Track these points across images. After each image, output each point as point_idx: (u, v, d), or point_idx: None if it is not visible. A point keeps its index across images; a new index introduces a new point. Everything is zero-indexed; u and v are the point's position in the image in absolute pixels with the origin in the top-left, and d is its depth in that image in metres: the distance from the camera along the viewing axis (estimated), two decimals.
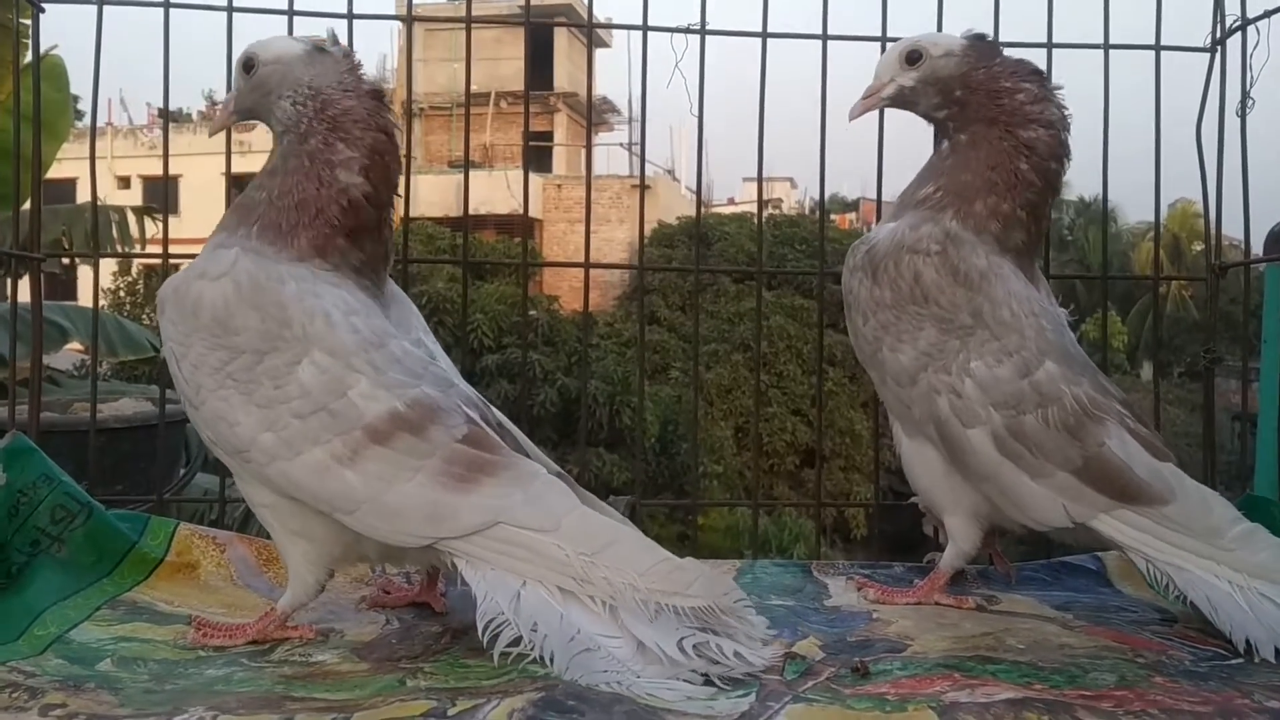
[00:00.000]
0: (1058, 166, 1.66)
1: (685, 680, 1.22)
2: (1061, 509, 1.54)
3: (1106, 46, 2.12)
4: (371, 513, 1.35)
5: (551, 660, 1.24)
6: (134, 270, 16.56)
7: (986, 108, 1.66)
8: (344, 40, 1.73)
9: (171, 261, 2.08)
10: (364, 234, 1.48)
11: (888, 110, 1.81)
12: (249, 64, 1.53)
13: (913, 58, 1.70)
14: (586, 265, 2.09)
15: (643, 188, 2.16)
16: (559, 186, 22.47)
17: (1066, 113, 1.67)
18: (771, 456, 16.40)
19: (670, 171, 24.55)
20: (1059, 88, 1.69)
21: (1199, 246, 2.01)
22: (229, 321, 1.38)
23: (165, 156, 2.07)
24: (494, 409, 1.49)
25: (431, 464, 1.33)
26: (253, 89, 1.53)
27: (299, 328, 1.37)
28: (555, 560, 1.29)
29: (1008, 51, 1.73)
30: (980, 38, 1.72)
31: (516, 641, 1.27)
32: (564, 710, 1.14)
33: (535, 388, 13.81)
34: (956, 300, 1.59)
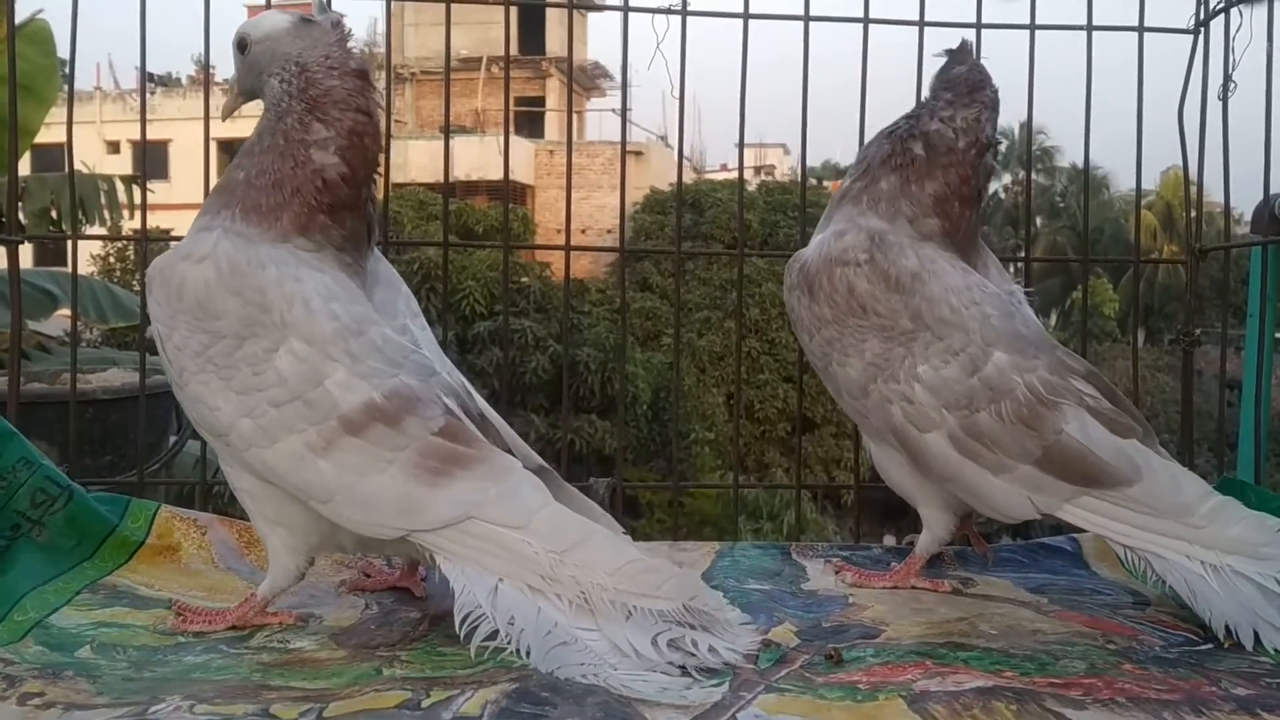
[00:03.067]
0: (956, 173, 1.65)
1: (662, 673, 1.23)
2: (1027, 501, 1.54)
3: (1090, 28, 2.11)
4: (345, 503, 1.35)
5: (528, 654, 1.25)
6: (125, 238, 16.46)
7: (914, 111, 1.69)
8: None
9: (150, 242, 2.07)
10: (344, 210, 1.46)
11: (872, 76, 1.82)
12: (242, 44, 1.51)
13: None
14: (568, 248, 2.08)
15: (624, 176, 2.15)
16: (551, 152, 22.38)
17: (982, 124, 1.65)
18: (763, 423, 16.44)
19: (662, 137, 24.42)
20: (988, 101, 1.67)
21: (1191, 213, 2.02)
22: (210, 305, 1.38)
23: (143, 143, 2.05)
24: (477, 398, 1.49)
25: (405, 456, 1.33)
26: (248, 69, 1.51)
27: (278, 314, 1.37)
28: (524, 557, 1.30)
29: (992, 35, 1.73)
30: (960, 50, 1.73)
31: (494, 635, 1.28)
32: (537, 701, 1.15)
33: (527, 355, 13.81)
34: (894, 306, 1.60)
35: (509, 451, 1.42)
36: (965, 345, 1.57)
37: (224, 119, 1.67)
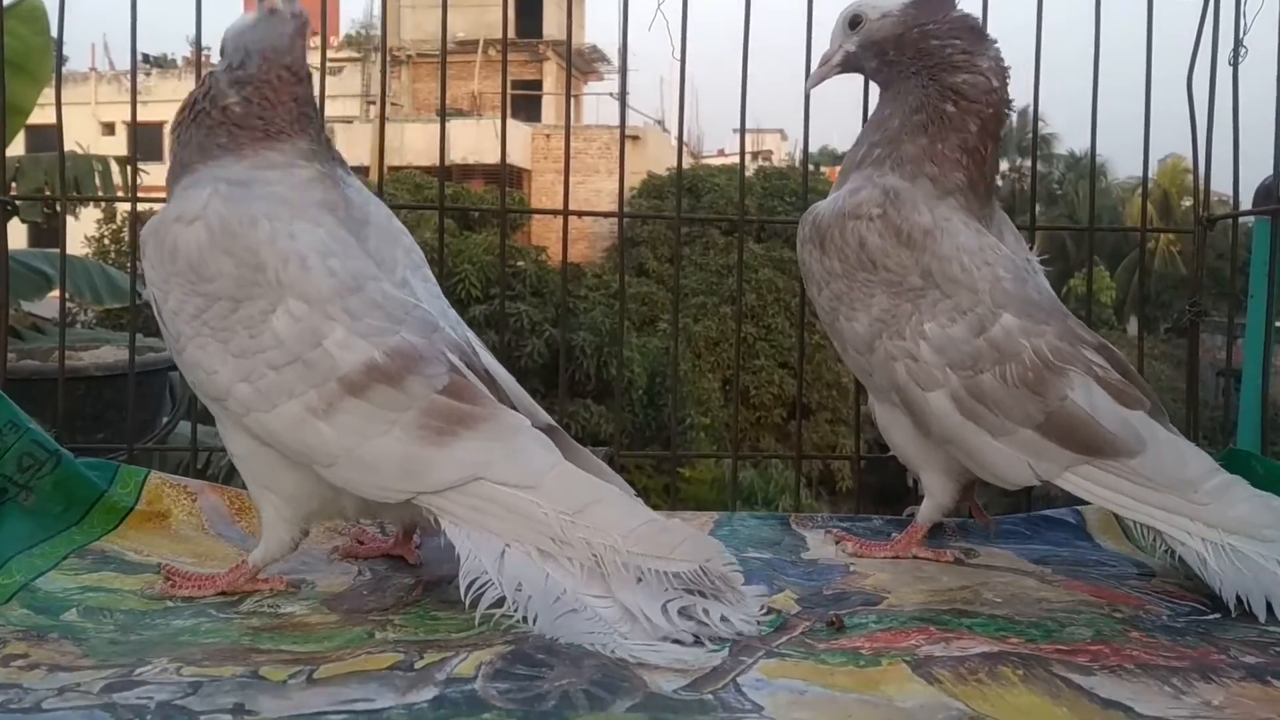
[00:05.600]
0: (993, 111, 1.62)
1: (674, 641, 1.20)
2: (1026, 466, 1.52)
3: None
4: (348, 466, 1.32)
5: (535, 621, 1.22)
6: (119, 218, 16.41)
7: (912, 64, 1.64)
8: None
9: (140, 209, 2.04)
10: (291, 127, 1.46)
11: None
12: (223, 51, 1.51)
13: (854, 22, 1.69)
14: (565, 212, 2.05)
15: (623, 131, 2.12)
16: (547, 136, 22.31)
17: (1002, 64, 1.63)
18: (758, 409, 16.42)
19: (660, 122, 24.36)
20: (994, 41, 1.65)
21: (1188, 202, 2.00)
22: (203, 268, 1.35)
23: (133, 121, 2.02)
24: (483, 353, 1.45)
25: (409, 417, 1.30)
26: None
27: (273, 273, 1.34)
28: (534, 519, 1.26)
29: (994, 15, 1.70)
30: None
31: (500, 602, 1.24)
32: (533, 663, 1.13)
33: (523, 339, 13.78)
34: (904, 262, 1.57)
35: (516, 409, 1.39)
36: (974, 305, 1.54)
37: None
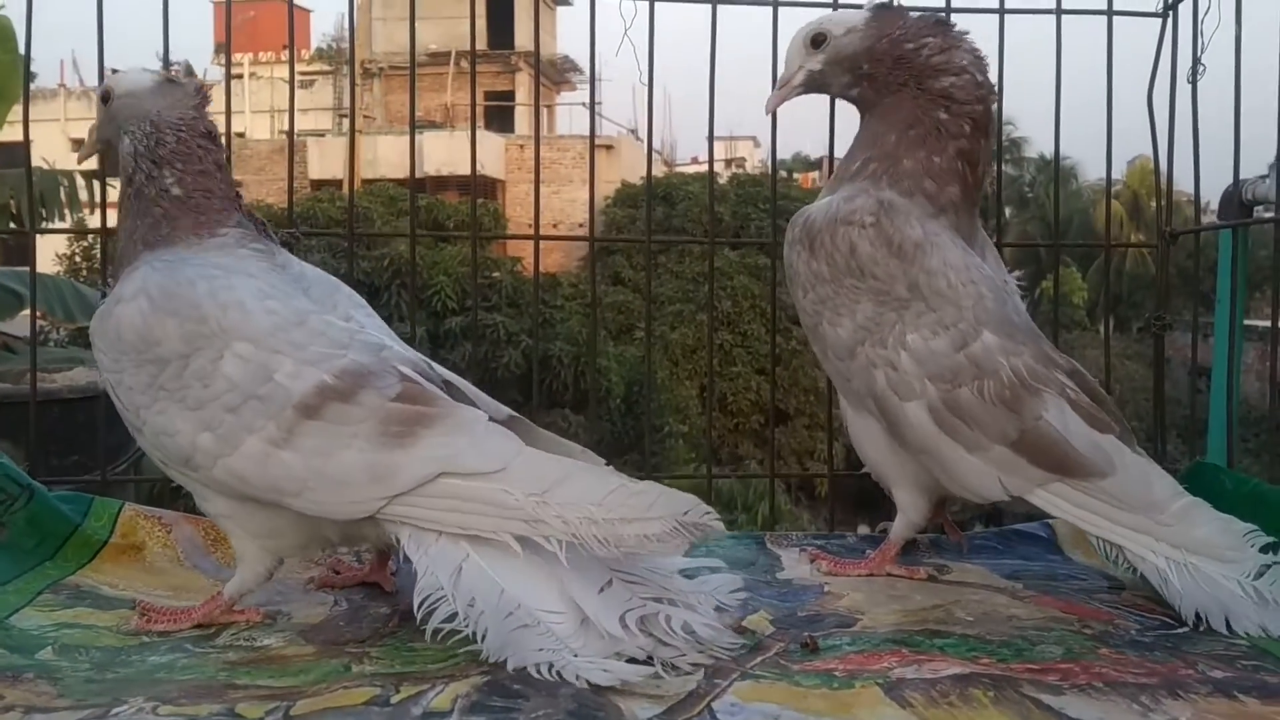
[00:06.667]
0: (982, 108, 1.64)
1: (626, 660, 1.20)
2: (997, 482, 1.54)
3: (1059, 11, 2.11)
4: (318, 489, 1.33)
5: (484, 638, 1.22)
6: (89, 236, 16.29)
7: (894, 74, 1.64)
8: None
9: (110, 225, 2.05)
10: (224, 212, 1.52)
11: None
12: (105, 96, 1.58)
13: (817, 41, 1.69)
14: (536, 238, 2.06)
15: (592, 157, 2.13)
16: (521, 147, 22.25)
17: (980, 55, 1.65)
18: (736, 415, 16.44)
19: (633, 131, 24.36)
20: (965, 33, 1.66)
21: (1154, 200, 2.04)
22: (149, 335, 1.39)
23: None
24: (439, 368, 1.47)
25: (368, 427, 1.32)
26: (108, 120, 1.58)
27: (215, 323, 1.37)
28: (504, 506, 1.26)
29: (953, 18, 1.71)
30: (883, 7, 1.70)
31: (453, 617, 1.25)
32: (509, 695, 1.13)
33: (499, 349, 13.77)
34: (892, 272, 1.58)
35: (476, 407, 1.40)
36: (957, 320, 1.56)
37: (80, 163, 1.78)
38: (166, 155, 1.50)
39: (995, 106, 1.66)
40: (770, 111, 1.81)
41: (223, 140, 1.59)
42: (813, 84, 1.72)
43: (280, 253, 1.54)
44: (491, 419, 1.37)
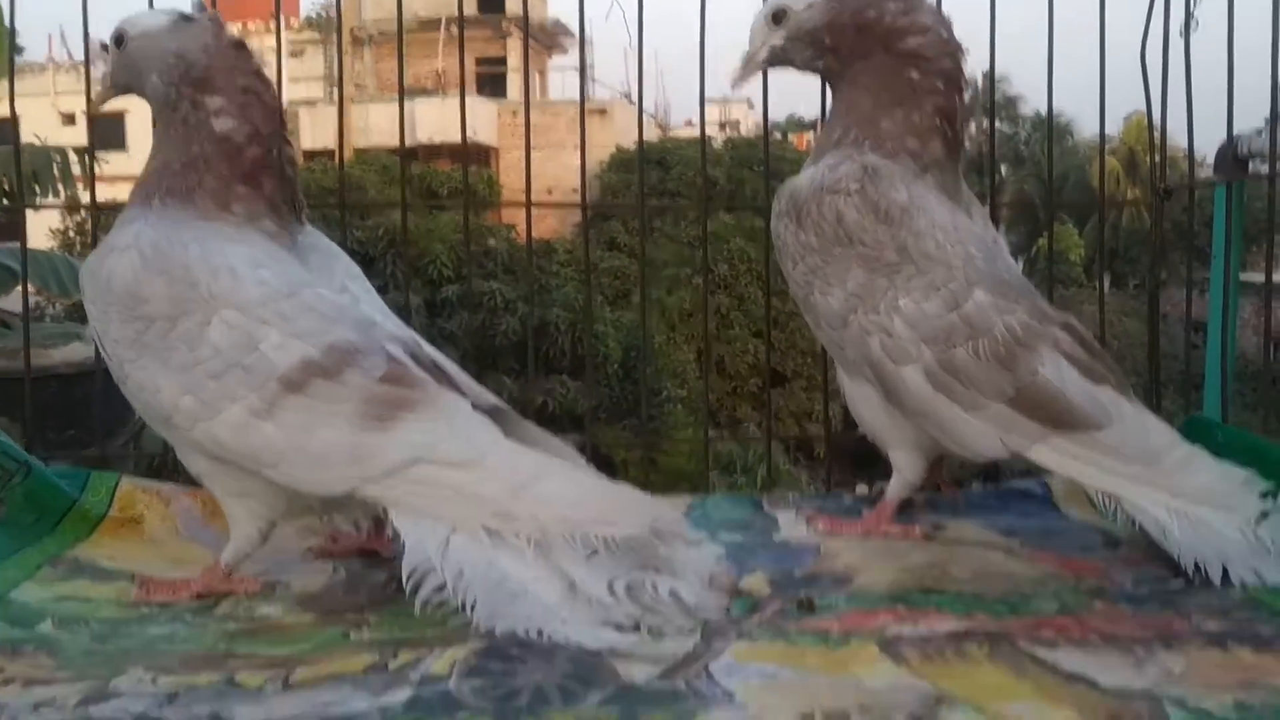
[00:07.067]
0: (952, 63, 1.64)
1: (615, 628, 1.20)
2: (997, 440, 1.54)
3: None
4: (296, 463, 1.34)
5: (474, 608, 1.23)
6: (83, 210, 16.24)
7: (859, 44, 1.64)
8: None
9: (101, 200, 2.04)
10: (260, 175, 1.48)
11: None
12: (119, 39, 1.54)
13: (778, 17, 1.68)
14: (528, 205, 2.05)
15: (583, 131, 2.12)
16: (514, 114, 22.07)
17: (941, 12, 1.66)
18: (734, 379, 16.46)
19: (626, 95, 24.21)
20: None
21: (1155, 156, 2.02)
22: (138, 291, 1.38)
23: (90, 110, 2.00)
24: (427, 346, 1.47)
25: (350, 407, 1.32)
26: (124, 65, 1.54)
27: (204, 287, 1.37)
28: (478, 497, 1.27)
29: None
30: None
31: (441, 588, 1.25)
32: (506, 659, 1.14)
33: (496, 317, 13.74)
34: (880, 238, 1.58)
35: (463, 394, 1.40)
36: (948, 281, 1.56)
37: (97, 107, 1.71)
38: (203, 74, 1.47)
39: (964, 58, 1.66)
40: (734, 87, 1.80)
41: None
42: (776, 59, 1.72)
43: (297, 231, 1.52)
44: (476, 406, 1.37)
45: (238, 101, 1.47)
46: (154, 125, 1.54)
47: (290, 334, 1.35)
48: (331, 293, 1.44)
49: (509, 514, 1.26)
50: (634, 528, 1.27)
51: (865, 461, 1.77)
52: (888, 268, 1.58)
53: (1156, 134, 2.14)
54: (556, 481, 1.30)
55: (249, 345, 1.34)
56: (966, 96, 1.68)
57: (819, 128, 1.81)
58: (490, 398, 1.44)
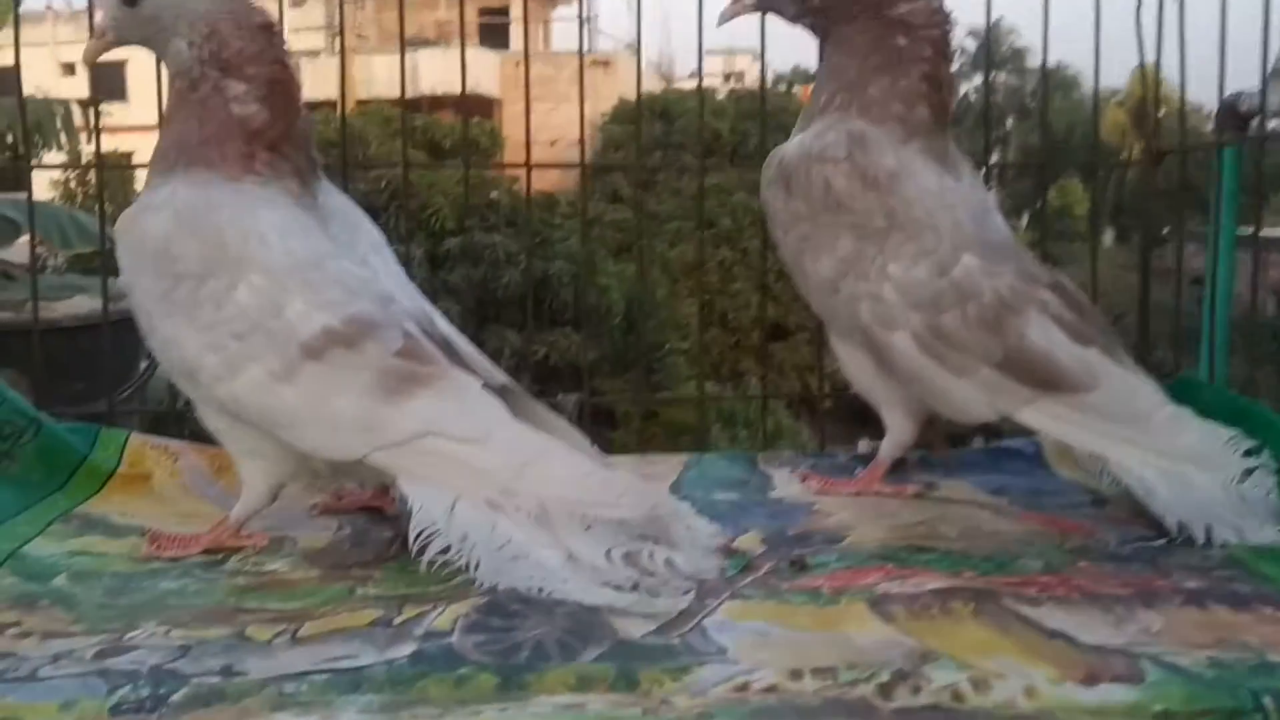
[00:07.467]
0: (940, 32, 1.66)
1: (614, 588, 1.24)
2: (985, 403, 1.57)
3: None
4: (310, 427, 1.38)
5: (477, 568, 1.27)
6: (84, 160, 16.18)
7: (845, 5, 1.66)
8: None
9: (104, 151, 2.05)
10: (282, 145, 1.49)
11: None
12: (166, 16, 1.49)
13: None
14: (529, 166, 2.07)
15: (582, 87, 2.13)
16: (517, 64, 21.93)
17: None
18: (736, 332, 16.46)
19: (631, 45, 24.01)
20: None
21: (1161, 112, 2.02)
22: (170, 249, 1.42)
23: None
24: (441, 322, 1.50)
25: (365, 377, 1.36)
26: (140, 22, 1.51)
27: (235, 250, 1.40)
28: (482, 472, 1.31)
29: None
30: None
31: (446, 550, 1.29)
32: (507, 615, 1.18)
33: (499, 270, 13.72)
34: (869, 205, 1.60)
35: (474, 372, 1.43)
36: (936, 247, 1.58)
37: (87, 63, 1.64)
38: (231, 59, 1.47)
39: (952, 29, 1.67)
40: (719, 25, 1.81)
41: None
42: (764, 4, 1.75)
43: (319, 189, 1.54)
44: (486, 385, 1.40)
45: (261, 92, 1.47)
46: (167, 82, 1.53)
47: (313, 303, 1.38)
48: (354, 265, 1.47)
49: (511, 490, 1.29)
50: (631, 511, 1.30)
51: (868, 418, 1.80)
52: (877, 234, 1.60)
53: (1168, 90, 2.13)
54: (559, 463, 1.33)
55: (273, 310, 1.38)
56: (951, 66, 1.69)
57: None
58: (501, 376, 1.47)
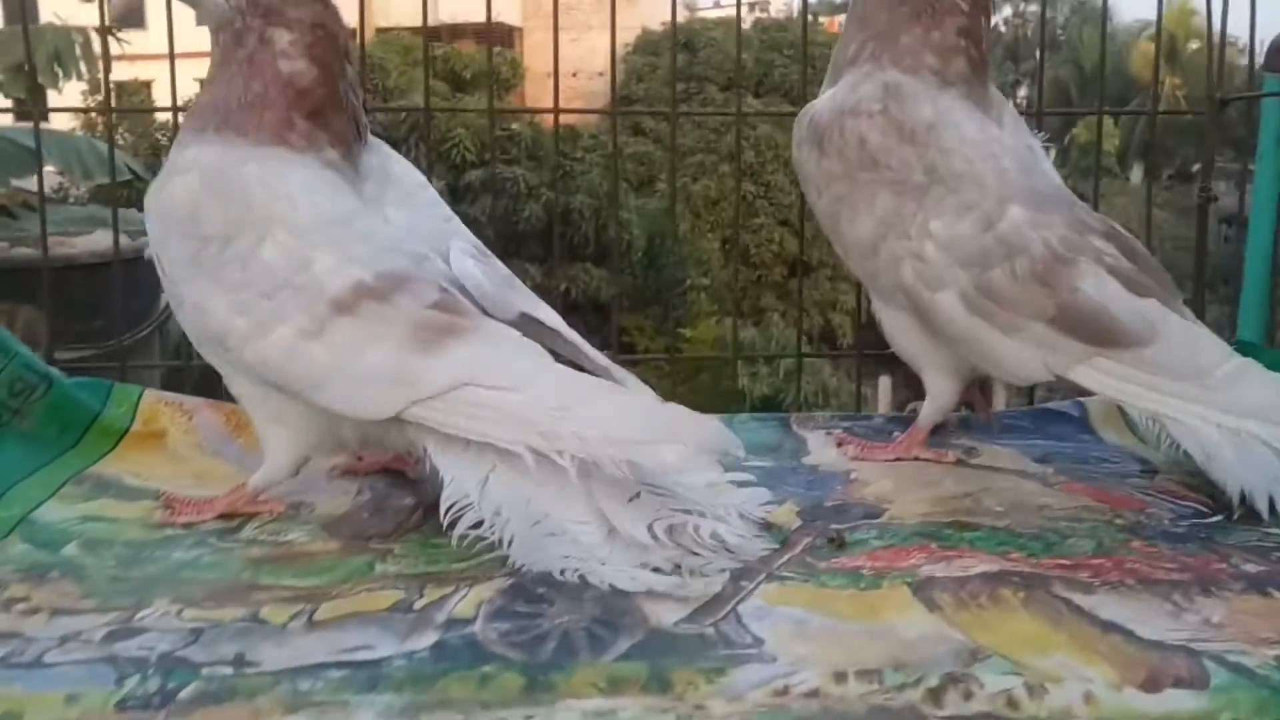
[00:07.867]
0: None
1: (654, 569, 1.19)
2: (1039, 362, 1.49)
3: None
4: (341, 385, 1.32)
5: (511, 544, 1.22)
6: (104, 89, 16.06)
7: None
8: None
9: (124, 80, 1.98)
10: (325, 112, 1.42)
11: None
12: None
13: None
14: (556, 110, 2.00)
15: (614, 33, 2.04)
16: None
17: None
18: (759, 267, 16.36)
19: None
20: None
21: (1195, 45, 1.93)
22: (196, 212, 1.37)
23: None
24: (489, 285, 1.43)
25: (399, 330, 1.29)
26: None
27: (261, 208, 1.35)
28: (522, 419, 1.24)
29: None
30: None
31: (479, 524, 1.24)
32: (533, 599, 1.13)
33: (520, 203, 13.63)
34: (907, 159, 1.52)
35: None
36: (980, 199, 1.50)
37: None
38: (273, 6, 1.40)
39: None
40: None
41: None
42: None
43: (362, 153, 1.47)
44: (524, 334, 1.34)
45: (307, 40, 1.40)
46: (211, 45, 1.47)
47: (344, 259, 1.33)
48: (383, 224, 1.41)
49: (553, 433, 1.22)
50: (683, 448, 1.22)
51: (891, 356, 1.73)
52: (916, 190, 1.52)
53: (1217, 35, 2.02)
54: (604, 403, 1.27)
55: (301, 266, 1.32)
56: (989, 19, 1.60)
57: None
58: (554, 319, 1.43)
